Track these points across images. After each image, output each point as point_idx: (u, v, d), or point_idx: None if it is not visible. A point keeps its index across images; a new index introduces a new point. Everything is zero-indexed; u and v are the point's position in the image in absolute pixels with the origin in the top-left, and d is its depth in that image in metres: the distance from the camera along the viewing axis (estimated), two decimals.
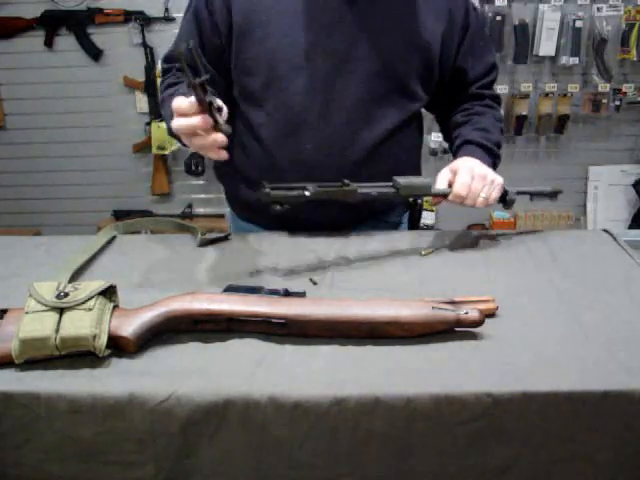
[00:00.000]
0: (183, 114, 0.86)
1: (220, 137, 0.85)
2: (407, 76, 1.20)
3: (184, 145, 1.06)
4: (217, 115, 0.84)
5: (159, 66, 2.84)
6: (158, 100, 1.28)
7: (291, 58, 1.14)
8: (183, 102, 0.85)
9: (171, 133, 1.14)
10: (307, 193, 0.96)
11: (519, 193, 1.18)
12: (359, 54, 1.16)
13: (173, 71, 1.23)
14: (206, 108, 0.83)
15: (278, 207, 0.93)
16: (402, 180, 1.05)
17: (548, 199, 1.25)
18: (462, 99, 1.31)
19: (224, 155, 0.89)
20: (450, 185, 1.11)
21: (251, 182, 1.25)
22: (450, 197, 1.09)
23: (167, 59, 1.28)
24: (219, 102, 0.85)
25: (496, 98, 1.33)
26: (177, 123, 0.88)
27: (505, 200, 1.16)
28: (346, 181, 1.00)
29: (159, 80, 1.31)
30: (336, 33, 1.14)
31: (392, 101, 1.21)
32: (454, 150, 1.25)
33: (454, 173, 1.11)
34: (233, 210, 1.39)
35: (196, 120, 0.84)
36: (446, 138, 1.36)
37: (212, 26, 1.17)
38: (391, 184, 1.06)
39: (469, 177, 1.09)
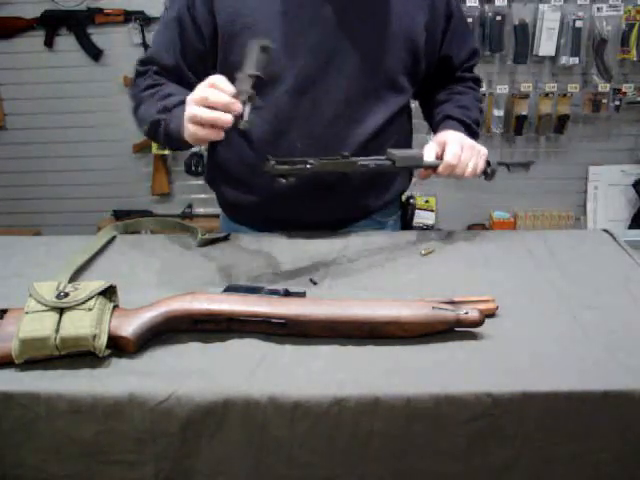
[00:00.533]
0: (217, 88, 0.89)
1: (229, 118, 0.88)
2: (394, 70, 1.21)
3: (158, 140, 1.06)
4: (246, 109, 0.88)
5: None
6: (133, 101, 1.21)
7: (277, 59, 1.13)
8: (225, 83, 0.89)
9: (149, 133, 1.15)
10: (308, 166, 0.97)
11: (499, 164, 1.23)
12: (343, 50, 1.16)
13: (149, 73, 1.20)
14: (242, 101, 0.87)
15: (283, 180, 0.95)
16: (397, 152, 1.08)
17: (524, 170, 1.29)
18: (446, 84, 1.34)
19: (221, 135, 0.91)
20: (438, 158, 1.13)
21: (242, 184, 1.25)
22: (441, 168, 1.11)
23: (144, 62, 1.23)
24: (258, 103, 0.89)
25: (477, 80, 1.38)
26: (205, 92, 0.90)
27: (486, 172, 1.19)
28: (345, 153, 1.02)
29: (132, 82, 1.25)
30: (318, 30, 1.14)
31: (381, 96, 1.21)
32: (434, 125, 1.29)
33: (442, 145, 1.13)
34: (225, 212, 1.38)
35: (228, 99, 0.88)
36: (427, 117, 1.39)
37: (195, 31, 1.17)
38: (384, 157, 1.08)
39: (459, 147, 1.12)
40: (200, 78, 1.12)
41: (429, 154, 1.12)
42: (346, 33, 1.15)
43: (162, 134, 1.10)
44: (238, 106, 0.88)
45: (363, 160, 1.04)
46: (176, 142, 1.05)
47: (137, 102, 1.20)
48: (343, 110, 1.18)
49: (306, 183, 1.13)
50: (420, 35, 1.20)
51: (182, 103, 1.00)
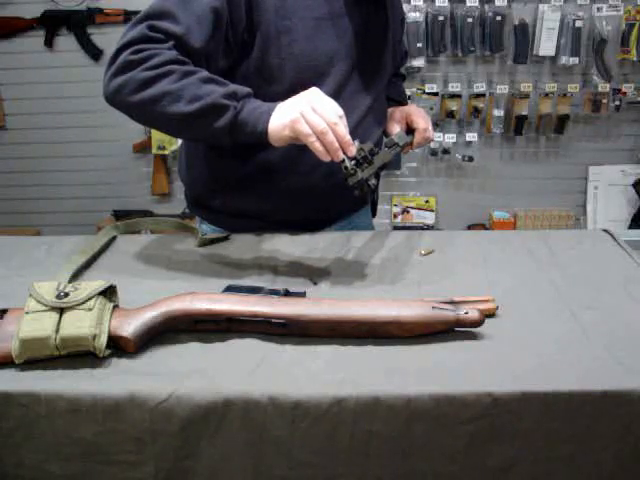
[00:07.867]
0: (344, 124, 0.94)
1: (342, 155, 0.93)
2: (389, 69, 1.34)
3: (206, 125, 0.98)
4: (347, 161, 0.93)
5: None
6: (142, 65, 0.99)
7: (316, 65, 1.15)
8: (349, 141, 0.93)
9: (197, 113, 0.99)
10: (376, 162, 0.98)
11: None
12: (366, 56, 1.22)
13: (169, 46, 1.01)
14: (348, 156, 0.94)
15: (373, 182, 0.96)
16: (395, 136, 1.16)
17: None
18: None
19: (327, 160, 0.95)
20: (409, 131, 1.29)
21: (250, 189, 1.22)
22: (426, 141, 1.30)
23: (158, 30, 1.02)
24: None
25: (403, 77, 1.58)
26: (336, 118, 0.93)
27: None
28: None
29: (146, 49, 1.00)
30: (349, 38, 1.19)
31: (381, 100, 1.32)
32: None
33: (408, 120, 1.31)
34: (217, 225, 1.31)
35: (337, 147, 0.92)
36: None
37: (229, 22, 1.07)
38: (395, 142, 1.14)
39: (428, 119, 1.32)
40: (210, 67, 1.07)
41: (402, 131, 1.27)
42: (369, 41, 1.23)
43: (227, 120, 0.99)
44: (352, 150, 0.92)
45: (393, 149, 1.12)
46: (240, 134, 0.99)
47: (159, 72, 0.99)
48: (364, 115, 1.23)
49: (317, 182, 1.19)
50: (396, 41, 1.38)
51: (249, 95, 1.00)
